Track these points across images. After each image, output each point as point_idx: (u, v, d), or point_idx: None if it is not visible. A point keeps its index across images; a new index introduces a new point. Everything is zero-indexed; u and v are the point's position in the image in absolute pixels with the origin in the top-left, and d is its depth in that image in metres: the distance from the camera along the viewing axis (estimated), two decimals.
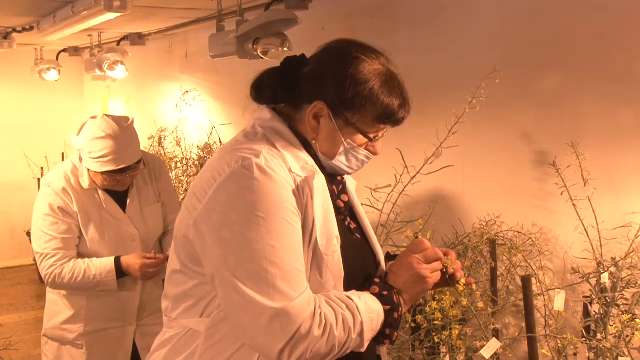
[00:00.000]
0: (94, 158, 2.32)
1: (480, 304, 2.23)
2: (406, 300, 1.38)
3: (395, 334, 1.36)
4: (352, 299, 1.28)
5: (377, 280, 1.38)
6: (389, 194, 2.69)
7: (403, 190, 2.69)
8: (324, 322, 1.22)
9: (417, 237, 2.54)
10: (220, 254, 1.24)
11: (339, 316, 1.24)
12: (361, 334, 1.27)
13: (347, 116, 1.34)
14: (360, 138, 1.37)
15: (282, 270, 1.21)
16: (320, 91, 1.35)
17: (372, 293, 1.35)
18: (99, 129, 2.33)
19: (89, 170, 2.40)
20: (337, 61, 1.35)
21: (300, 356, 1.20)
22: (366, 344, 1.30)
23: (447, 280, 1.44)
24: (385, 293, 1.35)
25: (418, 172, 2.65)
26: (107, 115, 2.40)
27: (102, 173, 2.35)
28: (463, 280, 1.44)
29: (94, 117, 2.39)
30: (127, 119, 2.44)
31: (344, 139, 1.36)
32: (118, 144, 2.33)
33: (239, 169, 1.25)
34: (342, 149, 1.37)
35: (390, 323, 1.34)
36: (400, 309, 1.35)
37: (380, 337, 1.35)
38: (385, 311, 1.33)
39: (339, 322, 1.24)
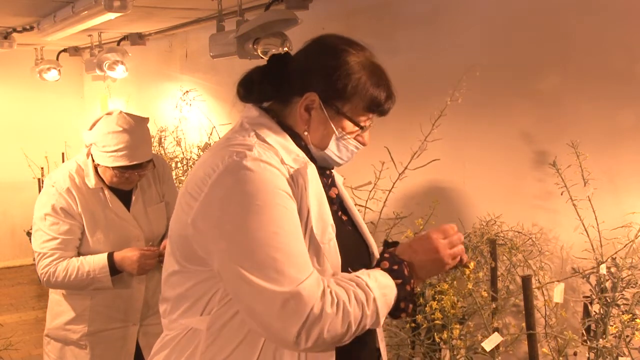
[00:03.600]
0: (108, 152, 2.31)
1: (484, 293, 2.22)
2: (418, 276, 1.39)
3: (411, 306, 1.36)
4: (360, 277, 1.29)
5: (387, 255, 1.39)
6: (370, 191, 2.75)
7: (392, 187, 2.72)
8: (335, 299, 1.22)
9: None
10: (224, 248, 1.25)
11: (350, 293, 1.25)
12: (376, 310, 1.27)
13: (338, 105, 1.38)
14: (351, 127, 1.41)
15: (287, 255, 1.22)
16: (311, 83, 1.38)
17: (382, 269, 1.35)
18: (115, 123, 2.33)
19: (97, 167, 2.39)
20: (326, 53, 1.40)
21: (317, 337, 1.20)
22: (382, 320, 1.30)
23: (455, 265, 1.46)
24: (395, 267, 1.35)
25: (406, 168, 2.73)
26: (124, 112, 2.40)
27: (113, 168, 2.34)
28: (472, 264, 1.46)
29: (109, 113, 2.39)
30: (142, 117, 2.45)
31: (335, 128, 1.39)
32: (133, 139, 2.33)
33: (232, 163, 1.27)
34: (333, 138, 1.40)
35: (405, 296, 1.34)
36: (412, 281, 1.36)
37: (395, 312, 1.35)
38: (398, 285, 1.33)
39: (351, 299, 1.24)
